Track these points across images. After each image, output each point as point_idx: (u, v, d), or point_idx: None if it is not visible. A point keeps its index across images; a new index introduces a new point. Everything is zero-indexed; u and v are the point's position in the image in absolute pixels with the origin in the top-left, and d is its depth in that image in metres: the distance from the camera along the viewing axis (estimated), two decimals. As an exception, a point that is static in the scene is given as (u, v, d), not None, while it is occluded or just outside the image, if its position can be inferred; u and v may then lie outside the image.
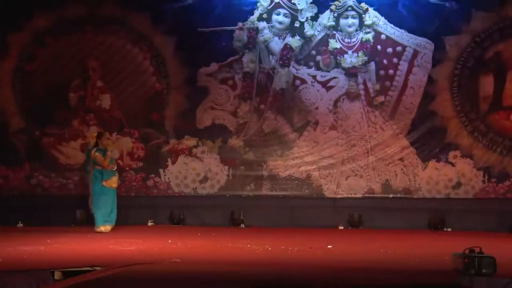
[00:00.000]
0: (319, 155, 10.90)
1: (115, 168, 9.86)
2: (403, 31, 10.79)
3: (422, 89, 10.77)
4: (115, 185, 9.78)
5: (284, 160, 10.97)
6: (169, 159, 11.03)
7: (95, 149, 9.65)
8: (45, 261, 6.40)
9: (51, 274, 5.77)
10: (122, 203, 10.81)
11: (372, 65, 10.87)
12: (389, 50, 10.83)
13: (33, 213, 10.54)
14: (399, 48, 10.81)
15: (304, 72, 10.97)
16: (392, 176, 10.76)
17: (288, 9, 10.95)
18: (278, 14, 10.97)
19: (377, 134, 10.85)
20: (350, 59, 10.85)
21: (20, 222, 10.49)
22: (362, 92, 10.88)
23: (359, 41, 10.86)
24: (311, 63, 10.98)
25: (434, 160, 10.71)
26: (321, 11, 10.90)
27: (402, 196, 10.72)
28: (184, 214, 10.85)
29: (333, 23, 10.88)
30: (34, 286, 5.60)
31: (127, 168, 11.04)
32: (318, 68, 10.97)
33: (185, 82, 11.09)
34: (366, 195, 10.78)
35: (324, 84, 10.96)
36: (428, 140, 10.74)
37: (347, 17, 10.88)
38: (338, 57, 10.90)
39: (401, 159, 10.79)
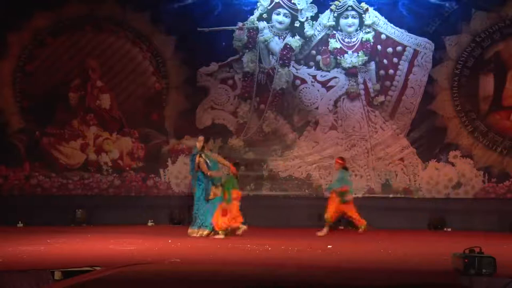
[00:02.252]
0: (319, 155, 10.90)
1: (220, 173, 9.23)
2: (403, 31, 10.79)
3: (422, 89, 10.78)
4: (217, 194, 9.12)
5: (284, 160, 10.97)
6: (169, 159, 11.03)
7: (199, 154, 9.07)
8: (45, 261, 6.39)
9: (51, 274, 5.77)
10: (122, 203, 10.84)
11: (372, 65, 10.87)
12: (389, 50, 10.84)
13: (33, 213, 10.55)
14: (399, 48, 10.82)
15: (304, 72, 10.98)
16: (392, 176, 10.76)
17: (288, 9, 10.95)
18: (278, 14, 10.97)
19: (377, 134, 10.85)
20: (350, 59, 10.85)
21: (20, 222, 10.49)
22: (362, 92, 10.88)
23: (359, 41, 10.86)
24: (311, 63, 10.98)
25: (434, 160, 10.72)
26: (321, 11, 10.91)
27: (402, 196, 10.72)
28: (184, 214, 10.84)
29: (333, 23, 10.88)
30: (34, 286, 5.60)
31: (127, 168, 11.05)
32: (318, 68, 10.97)
33: (185, 82, 11.09)
34: (366, 195, 10.78)
35: (324, 84, 10.96)
36: (428, 140, 10.74)
37: (347, 17, 10.89)
38: (338, 57, 10.90)
39: (401, 159, 10.79)
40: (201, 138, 9.30)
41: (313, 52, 10.98)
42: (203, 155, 9.08)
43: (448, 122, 10.75)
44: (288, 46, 10.95)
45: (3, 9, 10.83)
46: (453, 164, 10.66)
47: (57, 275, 5.79)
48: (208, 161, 9.06)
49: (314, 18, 10.92)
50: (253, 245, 7.90)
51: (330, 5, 10.88)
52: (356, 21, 10.86)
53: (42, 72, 11.12)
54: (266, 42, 10.99)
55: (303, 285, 5.28)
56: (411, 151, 10.76)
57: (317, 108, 10.96)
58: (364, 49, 10.84)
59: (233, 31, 10.98)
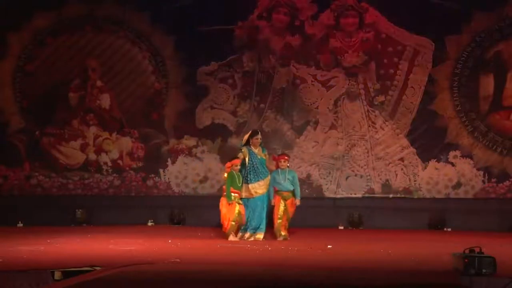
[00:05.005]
0: (319, 154, 10.90)
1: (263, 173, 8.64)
2: (403, 30, 10.78)
3: (422, 88, 10.77)
4: (257, 192, 8.60)
5: (284, 159, 10.94)
6: (169, 159, 11.03)
7: (244, 146, 8.68)
8: (45, 261, 6.39)
9: (51, 274, 5.77)
10: (122, 203, 10.84)
11: (372, 65, 10.86)
12: (390, 49, 10.82)
13: (33, 213, 10.54)
14: (399, 48, 10.81)
15: (304, 71, 10.97)
16: (392, 176, 10.75)
17: (288, 7, 10.93)
18: (278, 12, 10.96)
19: (377, 133, 10.85)
20: (350, 58, 10.84)
21: (20, 222, 10.49)
22: (362, 91, 10.88)
23: (360, 40, 10.85)
24: (311, 62, 10.97)
25: (434, 160, 10.71)
26: (321, 10, 10.89)
27: (402, 196, 10.72)
28: (184, 214, 10.84)
29: (334, 22, 10.87)
30: (34, 286, 5.60)
31: (127, 168, 11.05)
32: (318, 67, 10.96)
33: (185, 81, 11.09)
34: (366, 195, 10.78)
35: (324, 83, 10.95)
36: (428, 140, 10.73)
37: (347, 16, 10.87)
38: (338, 56, 10.89)
39: (401, 159, 10.78)
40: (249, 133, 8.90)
41: (313, 51, 10.97)
42: (246, 148, 8.68)
43: (448, 122, 10.74)
44: (288, 45, 10.94)
45: (3, 9, 10.82)
46: (453, 164, 10.65)
47: (57, 275, 5.79)
48: (249, 157, 8.60)
49: (314, 17, 10.91)
50: (253, 245, 7.90)
51: (331, 4, 10.87)
52: (357, 20, 10.85)
53: (42, 72, 11.12)
54: (266, 41, 10.98)
55: (303, 285, 5.28)
56: (411, 151, 10.75)
57: (317, 107, 10.95)
58: (364, 49, 10.83)
59: (233, 30, 10.97)
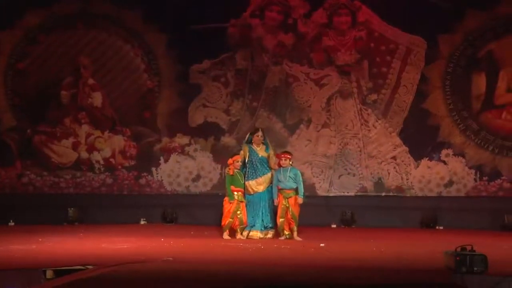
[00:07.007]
0: (312, 153, 10.91)
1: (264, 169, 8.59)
2: (396, 28, 10.80)
3: (415, 87, 10.80)
4: (255, 190, 8.57)
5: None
6: (161, 158, 11.00)
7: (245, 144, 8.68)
8: (37, 260, 6.36)
9: (42, 273, 5.75)
10: (115, 202, 10.82)
11: (365, 63, 10.88)
12: (382, 47, 10.84)
13: (25, 211, 10.49)
14: (392, 46, 10.83)
15: (297, 69, 10.97)
16: (385, 175, 10.78)
17: (281, 5, 10.93)
18: (271, 11, 10.96)
19: (370, 132, 10.87)
20: (343, 57, 10.85)
21: (11, 220, 10.44)
22: (355, 90, 10.89)
23: (352, 39, 10.86)
24: (304, 61, 10.98)
25: (427, 158, 10.74)
26: (314, 8, 10.90)
27: (395, 194, 10.75)
28: (177, 212, 10.83)
29: (326, 21, 10.88)
30: (25, 285, 5.58)
31: (119, 167, 11.02)
32: (311, 65, 10.97)
33: (177, 79, 11.06)
34: (359, 193, 10.80)
35: (317, 81, 10.96)
36: (421, 138, 10.77)
37: (340, 15, 10.88)
38: (331, 55, 10.90)
39: (394, 158, 10.81)
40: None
41: (306, 49, 10.97)
42: (247, 145, 8.67)
43: (440, 120, 10.78)
44: (281, 43, 10.94)
45: (-6, 6, 10.78)
46: (445, 163, 10.69)
47: (49, 274, 5.76)
48: (248, 155, 8.58)
49: (307, 15, 10.91)
50: (245, 244, 7.90)
51: (323, 2, 10.87)
52: (349, 18, 10.86)
53: (33, 70, 11.06)
54: (258, 39, 10.97)
55: (296, 284, 5.28)
56: (404, 150, 10.78)
57: (310, 106, 10.96)
58: (357, 47, 10.85)
59: (225, 28, 10.95)
